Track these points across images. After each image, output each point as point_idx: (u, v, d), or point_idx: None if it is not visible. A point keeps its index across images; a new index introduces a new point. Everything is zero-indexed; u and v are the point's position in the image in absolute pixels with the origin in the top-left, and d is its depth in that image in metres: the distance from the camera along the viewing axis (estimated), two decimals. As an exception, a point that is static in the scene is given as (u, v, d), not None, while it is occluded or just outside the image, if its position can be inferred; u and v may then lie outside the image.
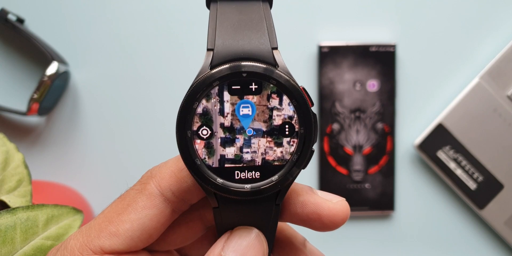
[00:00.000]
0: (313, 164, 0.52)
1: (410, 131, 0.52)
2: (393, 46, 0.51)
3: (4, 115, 0.51)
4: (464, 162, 0.50)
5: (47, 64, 0.47)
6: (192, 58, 0.50)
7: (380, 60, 0.51)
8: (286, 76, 0.19)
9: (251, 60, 0.19)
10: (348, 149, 0.51)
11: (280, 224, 0.24)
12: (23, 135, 0.51)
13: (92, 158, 0.52)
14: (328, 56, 0.51)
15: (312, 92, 0.51)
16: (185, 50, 0.51)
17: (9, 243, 0.24)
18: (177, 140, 0.19)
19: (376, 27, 0.52)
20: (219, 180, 0.19)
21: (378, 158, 0.51)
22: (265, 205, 0.21)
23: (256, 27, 0.20)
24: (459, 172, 0.50)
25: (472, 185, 0.50)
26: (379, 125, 0.51)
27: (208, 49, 0.19)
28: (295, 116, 0.19)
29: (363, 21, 0.52)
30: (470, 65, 0.52)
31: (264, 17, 0.20)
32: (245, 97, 0.19)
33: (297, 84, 0.19)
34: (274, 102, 0.19)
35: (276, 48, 0.20)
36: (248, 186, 0.19)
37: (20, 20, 0.49)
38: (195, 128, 0.19)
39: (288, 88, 0.19)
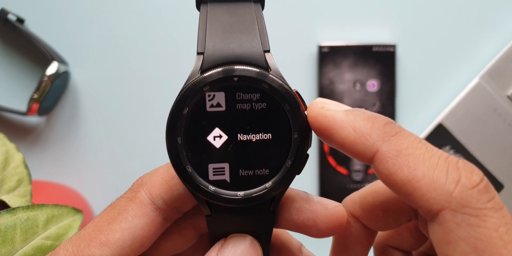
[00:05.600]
0: (313, 164, 0.52)
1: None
2: (393, 46, 0.51)
3: (4, 115, 0.51)
4: (464, 162, 0.50)
5: (47, 64, 0.47)
6: (193, 59, 0.50)
7: (380, 60, 0.51)
8: (279, 80, 0.18)
9: (242, 63, 0.18)
10: (348, 149, 0.51)
11: (276, 229, 0.23)
12: (23, 135, 0.51)
13: (92, 158, 0.52)
14: (328, 56, 0.51)
15: (312, 92, 0.51)
16: (185, 50, 0.51)
17: (9, 243, 0.24)
18: (167, 147, 0.19)
19: (376, 27, 0.52)
20: (211, 188, 0.19)
21: (378, 158, 0.51)
22: (259, 212, 0.20)
23: (248, 29, 0.19)
24: (459, 172, 0.50)
25: (472, 185, 0.50)
26: (379, 125, 0.51)
27: (198, 53, 0.19)
28: (289, 120, 0.19)
29: (363, 21, 0.52)
30: (470, 65, 0.52)
31: (256, 19, 0.19)
32: (237, 102, 0.19)
33: (290, 88, 0.19)
34: (268, 106, 0.19)
35: (269, 51, 0.19)
36: (241, 193, 0.19)
37: (20, 20, 0.49)
38: None
39: (281, 92, 0.18)
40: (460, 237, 0.16)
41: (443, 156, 0.17)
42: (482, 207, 0.16)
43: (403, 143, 0.17)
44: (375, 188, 0.22)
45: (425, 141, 0.18)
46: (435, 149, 0.17)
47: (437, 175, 0.16)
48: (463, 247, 0.16)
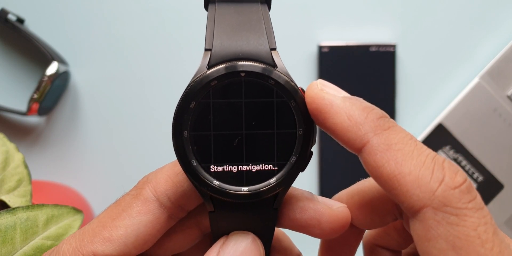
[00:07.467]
0: (313, 164, 0.52)
1: (410, 131, 0.52)
2: (393, 46, 0.51)
3: (4, 115, 0.51)
4: (464, 162, 0.50)
5: (47, 64, 0.47)
6: (193, 59, 0.50)
7: (380, 60, 0.51)
8: (285, 77, 0.19)
9: (249, 60, 0.19)
10: (348, 149, 0.51)
11: (278, 234, 0.23)
12: (23, 135, 0.51)
13: (92, 158, 0.52)
14: (328, 56, 0.51)
15: (312, 92, 0.51)
16: (185, 50, 0.51)
17: (9, 243, 0.24)
18: (173, 140, 0.19)
19: (376, 27, 0.52)
20: (216, 182, 0.19)
21: (378, 158, 0.51)
22: (262, 209, 0.20)
23: (255, 28, 0.19)
24: (459, 172, 0.50)
25: (472, 185, 0.50)
26: (379, 125, 0.51)
27: (206, 49, 0.19)
28: (294, 117, 0.19)
29: (363, 21, 0.52)
30: (470, 65, 0.52)
31: (263, 18, 0.20)
32: (243, 97, 0.19)
33: (296, 85, 0.19)
34: (273, 102, 0.19)
35: (275, 49, 0.19)
36: (245, 188, 0.19)
37: (20, 20, 0.49)
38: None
39: (287, 89, 0.19)
40: (440, 234, 0.16)
41: (431, 155, 0.17)
42: (463, 207, 0.16)
43: (394, 138, 0.18)
44: (362, 187, 0.22)
45: (415, 139, 0.18)
46: (424, 147, 0.18)
47: (423, 173, 0.17)
48: (442, 244, 0.16)
